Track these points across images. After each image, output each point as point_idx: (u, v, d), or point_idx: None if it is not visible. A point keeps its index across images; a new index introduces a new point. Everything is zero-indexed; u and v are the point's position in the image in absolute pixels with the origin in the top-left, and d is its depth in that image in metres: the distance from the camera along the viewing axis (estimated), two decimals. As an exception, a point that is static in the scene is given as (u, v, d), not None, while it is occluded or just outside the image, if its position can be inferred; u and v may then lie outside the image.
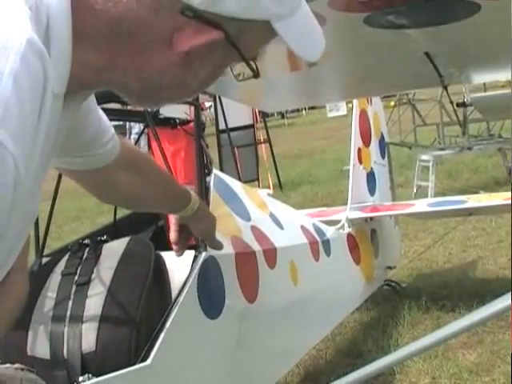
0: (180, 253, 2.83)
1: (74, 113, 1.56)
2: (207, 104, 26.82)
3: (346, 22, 2.62)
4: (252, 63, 1.49)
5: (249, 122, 15.38)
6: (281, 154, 18.50)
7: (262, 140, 16.33)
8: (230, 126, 14.28)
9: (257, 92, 3.85)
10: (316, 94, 4.09)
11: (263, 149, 16.30)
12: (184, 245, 2.80)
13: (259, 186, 14.21)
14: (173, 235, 2.74)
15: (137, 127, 20.30)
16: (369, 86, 3.93)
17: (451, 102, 7.49)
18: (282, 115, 40.42)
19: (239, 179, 12.73)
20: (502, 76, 5.55)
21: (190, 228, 2.72)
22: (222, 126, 14.41)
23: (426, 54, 2.73)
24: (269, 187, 14.13)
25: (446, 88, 3.35)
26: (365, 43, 2.63)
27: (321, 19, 2.10)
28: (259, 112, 15.97)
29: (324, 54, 2.74)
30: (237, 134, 14.62)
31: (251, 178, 14.50)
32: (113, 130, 1.93)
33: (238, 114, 14.10)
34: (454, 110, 11.82)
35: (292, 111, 42.64)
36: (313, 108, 42.62)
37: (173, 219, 2.71)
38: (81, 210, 15.68)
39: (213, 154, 14.36)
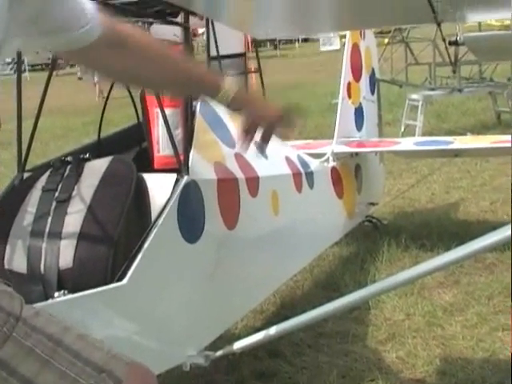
0: (243, 148, 2.51)
1: None
2: (200, 30, 26.59)
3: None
4: None
5: (240, 50, 15.23)
6: (271, 84, 18.31)
7: (252, 69, 16.21)
8: (222, 53, 14.12)
9: (248, 17, 3.80)
10: (308, 24, 4.03)
11: (253, 78, 16.18)
12: (247, 138, 2.44)
13: (247, 116, 14.13)
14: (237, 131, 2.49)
15: None
16: (361, 19, 3.87)
17: (443, 40, 7.40)
18: (275, 46, 40.17)
19: (228, 107, 12.73)
20: (497, 16, 5.50)
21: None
22: (213, 53, 14.28)
23: (421, -13, 2.69)
24: (257, 117, 14.07)
25: (439, 25, 3.31)
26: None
27: None
28: (251, 41, 15.82)
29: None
30: (228, 62, 14.44)
31: (240, 107, 14.39)
32: (93, 13, 1.91)
33: (229, 41, 13.94)
34: (446, 48, 11.75)
35: (285, 43, 42.41)
36: (306, 41, 42.45)
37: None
38: (67, 128, 15.65)
39: (202, 80, 14.24)
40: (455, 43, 12.00)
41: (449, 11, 3.20)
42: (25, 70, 31.74)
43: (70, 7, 1.84)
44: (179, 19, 3.44)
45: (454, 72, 12.50)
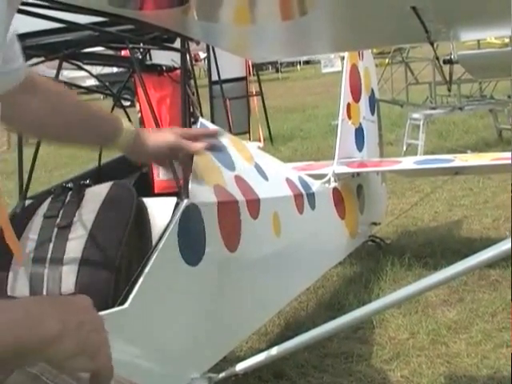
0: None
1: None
2: (202, 55, 26.74)
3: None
4: None
5: (242, 74, 15.31)
6: (273, 107, 18.46)
7: (254, 93, 16.29)
8: (223, 77, 14.25)
9: (246, 41, 3.83)
10: (303, 45, 4.07)
11: (255, 101, 16.27)
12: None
13: (250, 139, 14.21)
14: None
15: None
16: (356, 40, 3.91)
17: (437, 59, 7.44)
18: (277, 69, 40.32)
19: (230, 131, 12.80)
20: (491, 34, 5.53)
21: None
22: (214, 78, 14.38)
23: (413, 8, 2.72)
24: (259, 140, 14.13)
25: (432, 44, 3.34)
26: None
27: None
28: (252, 65, 15.92)
29: (311, 5, 2.74)
30: (229, 86, 14.58)
31: (242, 131, 14.49)
32: (20, 56, 1.92)
33: (231, 65, 14.05)
34: (440, 67, 11.78)
35: (287, 65, 42.53)
36: (307, 63, 42.57)
37: None
38: (72, 156, 15.69)
39: (205, 105, 14.39)
40: (449, 62, 12.02)
41: (442, 30, 3.24)
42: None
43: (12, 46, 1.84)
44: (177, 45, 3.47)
45: (449, 90, 12.53)
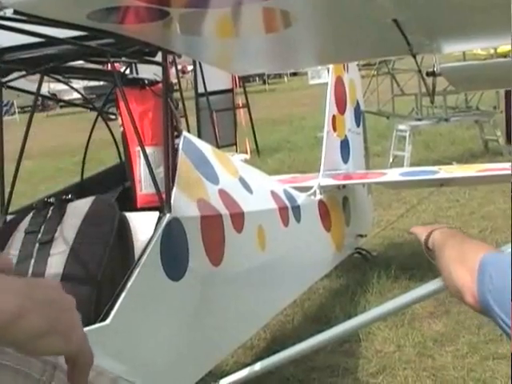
0: None
1: None
2: (189, 67, 26.75)
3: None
4: None
5: (228, 86, 15.32)
6: (260, 119, 18.47)
7: (240, 105, 16.29)
8: (210, 89, 14.25)
9: (229, 55, 3.82)
10: (286, 59, 4.05)
11: (242, 113, 16.27)
12: None
13: (237, 151, 14.20)
14: None
15: None
16: (339, 53, 3.90)
17: (420, 71, 7.48)
18: (264, 81, 40.41)
19: (217, 143, 12.77)
20: (474, 46, 5.55)
21: None
22: (201, 90, 14.38)
23: (395, 20, 2.71)
24: (246, 152, 14.11)
25: (414, 56, 3.34)
26: (333, 8, 2.61)
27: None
28: (239, 77, 15.93)
29: (295, 17, 2.72)
30: (216, 98, 14.59)
31: (229, 143, 14.49)
32: None
33: (217, 78, 14.05)
34: (423, 79, 11.83)
35: (274, 77, 42.60)
36: (294, 74, 42.68)
37: None
38: (57, 169, 15.65)
39: (191, 117, 14.31)
40: (433, 74, 12.05)
41: (425, 43, 3.23)
42: (14, 113, 31.90)
43: None
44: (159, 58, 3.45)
45: (432, 103, 12.57)
